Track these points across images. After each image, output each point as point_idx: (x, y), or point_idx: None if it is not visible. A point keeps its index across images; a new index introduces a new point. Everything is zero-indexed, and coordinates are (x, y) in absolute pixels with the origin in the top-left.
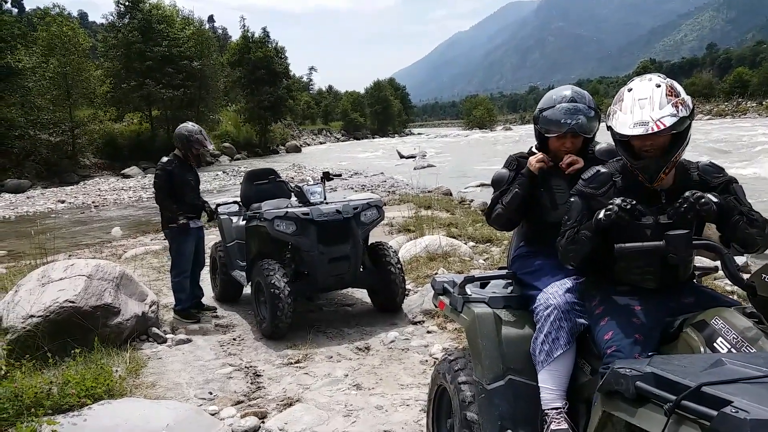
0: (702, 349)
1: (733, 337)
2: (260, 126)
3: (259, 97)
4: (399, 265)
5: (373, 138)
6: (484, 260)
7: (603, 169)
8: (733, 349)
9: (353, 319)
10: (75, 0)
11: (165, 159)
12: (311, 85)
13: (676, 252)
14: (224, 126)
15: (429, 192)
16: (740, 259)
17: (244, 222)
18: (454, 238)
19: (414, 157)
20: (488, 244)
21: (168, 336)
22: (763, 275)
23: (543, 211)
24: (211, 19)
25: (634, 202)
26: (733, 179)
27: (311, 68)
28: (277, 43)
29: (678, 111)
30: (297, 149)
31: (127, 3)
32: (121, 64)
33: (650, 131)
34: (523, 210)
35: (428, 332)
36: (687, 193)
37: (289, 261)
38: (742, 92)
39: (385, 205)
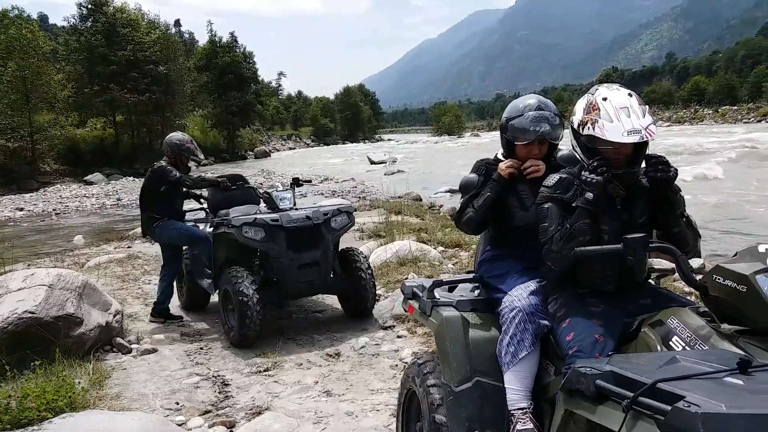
0: (659, 348)
1: (687, 336)
2: (228, 131)
3: (227, 102)
4: (369, 271)
5: (344, 144)
6: (453, 264)
7: (564, 175)
8: (687, 347)
9: (323, 326)
10: (35, 2)
11: (156, 165)
12: (280, 90)
13: (634, 254)
14: (191, 131)
15: (399, 197)
16: (697, 261)
17: (212, 229)
18: (424, 243)
19: (384, 162)
20: (457, 248)
21: (133, 346)
22: (715, 276)
23: (510, 215)
24: (177, 23)
25: (603, 163)
26: (678, 190)
27: (280, 73)
28: (245, 48)
29: (655, 121)
30: (266, 154)
31: (89, 6)
32: (83, 69)
33: (644, 139)
34: (492, 213)
35: (399, 337)
36: (653, 160)
37: (258, 268)
38: (699, 100)
39: (355, 210)
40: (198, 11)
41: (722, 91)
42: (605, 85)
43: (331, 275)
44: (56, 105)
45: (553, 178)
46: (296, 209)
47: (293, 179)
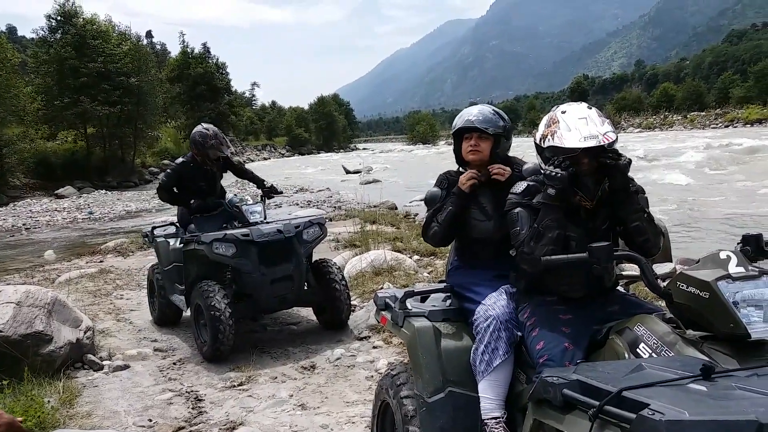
0: (626, 355)
1: (654, 343)
2: None
3: (200, 113)
4: (344, 282)
5: (319, 153)
6: (429, 273)
7: (531, 183)
8: (653, 354)
9: (298, 338)
10: (3, 14)
11: (180, 159)
12: (254, 100)
13: (599, 263)
14: (163, 143)
15: (374, 207)
16: (669, 266)
17: (182, 245)
18: (399, 252)
19: (359, 172)
20: (432, 257)
21: (105, 363)
22: (678, 283)
23: (473, 226)
24: (149, 34)
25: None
26: (641, 189)
27: (254, 83)
28: (217, 59)
29: (613, 129)
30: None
31: (59, 18)
32: (53, 81)
33: (601, 143)
34: (457, 226)
35: (374, 347)
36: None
37: (230, 282)
38: (669, 106)
39: (330, 220)
40: (170, 22)
41: (690, 97)
42: (572, 102)
43: (305, 287)
44: (25, 118)
45: (521, 186)
46: (267, 222)
47: (263, 191)
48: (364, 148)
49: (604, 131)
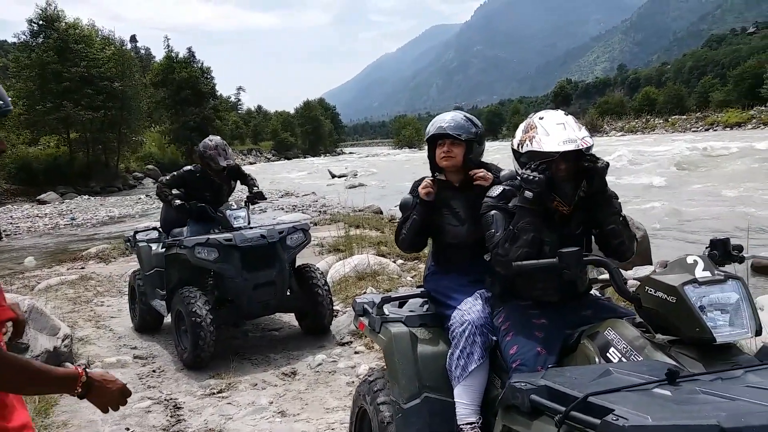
0: (597, 359)
1: (623, 347)
2: (186, 147)
3: (185, 117)
4: (326, 287)
5: (305, 158)
6: (412, 277)
7: (507, 187)
8: (623, 358)
9: (280, 344)
10: None
11: (188, 167)
12: (240, 104)
13: (569, 268)
14: (148, 147)
15: (360, 211)
16: (649, 268)
17: (164, 249)
18: (383, 256)
19: (345, 176)
20: (416, 261)
21: None
22: (647, 288)
23: (447, 231)
24: (133, 38)
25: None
26: (615, 194)
27: (239, 88)
28: (202, 63)
29: (590, 134)
30: None
31: (41, 22)
32: (35, 85)
33: (579, 147)
34: (425, 234)
35: (356, 353)
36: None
37: (212, 288)
38: (650, 110)
39: (315, 225)
40: (155, 27)
41: (672, 101)
42: (545, 110)
43: (288, 293)
44: (6, 123)
45: (496, 189)
46: (251, 227)
47: (248, 196)
48: (350, 152)
49: (582, 136)
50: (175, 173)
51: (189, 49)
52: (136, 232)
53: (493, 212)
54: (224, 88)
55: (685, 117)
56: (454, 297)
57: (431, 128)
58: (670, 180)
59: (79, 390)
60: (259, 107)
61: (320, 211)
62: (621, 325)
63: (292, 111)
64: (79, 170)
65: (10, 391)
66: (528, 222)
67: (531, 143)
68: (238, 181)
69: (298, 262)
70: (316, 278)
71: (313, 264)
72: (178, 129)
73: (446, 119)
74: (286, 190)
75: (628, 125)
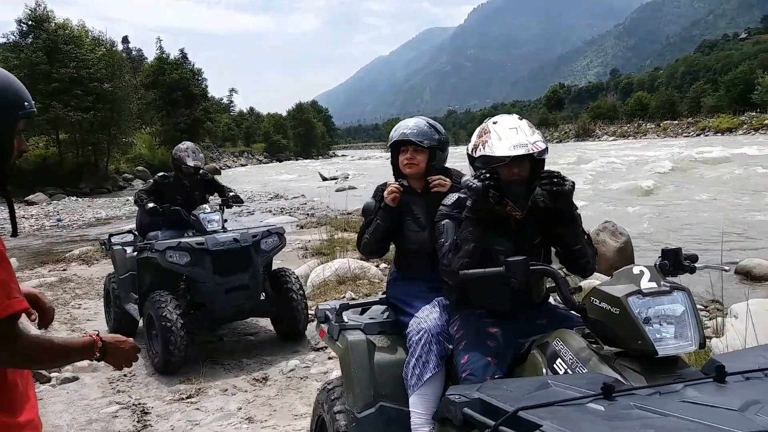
0: (544, 370)
1: (570, 358)
2: None
3: (175, 119)
4: (301, 292)
5: (297, 160)
6: None
7: (462, 195)
8: (569, 370)
9: (254, 349)
10: None
11: (160, 173)
12: (232, 106)
13: (516, 277)
14: (138, 149)
15: (348, 214)
16: None
17: (135, 253)
18: (365, 260)
19: (336, 179)
20: None
21: (53, 375)
22: (592, 298)
23: (408, 237)
24: (125, 39)
25: (487, 172)
26: (576, 207)
27: (232, 90)
28: (194, 65)
29: (543, 140)
30: (216, 172)
31: (30, 22)
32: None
33: (530, 151)
34: (388, 239)
35: (329, 358)
36: (547, 174)
37: (184, 292)
38: (642, 115)
39: (301, 228)
40: (146, 28)
41: (664, 106)
42: (500, 115)
43: (263, 297)
44: None
45: (451, 197)
46: (225, 231)
47: (222, 199)
48: (342, 155)
49: (534, 140)
50: (150, 180)
51: (181, 50)
52: (111, 236)
53: (444, 221)
54: (217, 89)
55: (677, 122)
56: (412, 304)
57: (394, 134)
58: (658, 185)
59: (98, 354)
60: (252, 109)
61: (308, 214)
62: (569, 336)
63: (284, 113)
64: (68, 171)
65: (38, 368)
66: (470, 232)
67: (483, 148)
68: (216, 194)
69: (284, 265)
70: (291, 282)
71: (289, 268)
72: (168, 130)
73: (409, 125)
74: (275, 192)
75: (620, 130)
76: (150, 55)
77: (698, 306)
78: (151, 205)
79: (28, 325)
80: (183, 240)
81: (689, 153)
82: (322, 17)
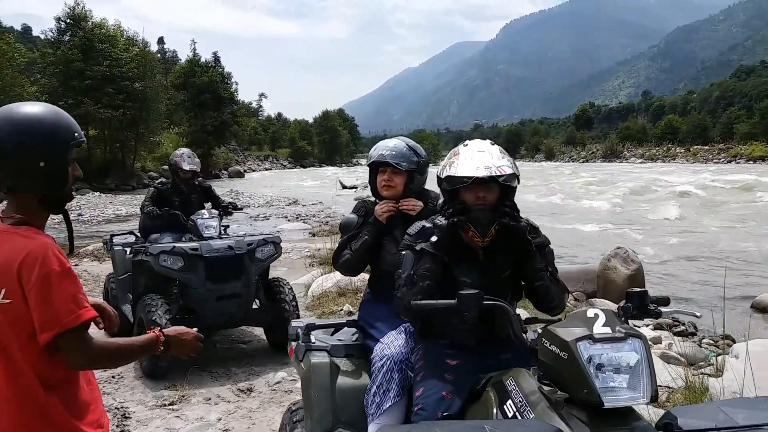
0: (495, 410)
1: (519, 401)
2: (203, 150)
3: (203, 121)
4: (294, 302)
5: (320, 167)
6: None
7: (427, 224)
8: (517, 413)
9: (245, 358)
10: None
11: (158, 180)
12: (261, 111)
13: (468, 311)
14: (165, 148)
15: None
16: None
17: (131, 255)
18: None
19: (356, 187)
20: None
21: None
22: (544, 340)
23: (384, 258)
24: (161, 41)
25: (456, 206)
26: (547, 242)
27: (261, 94)
28: (223, 69)
29: (512, 166)
30: (240, 174)
31: (68, 21)
32: (58, 82)
33: (494, 174)
34: (370, 256)
35: None
36: (505, 208)
37: (177, 297)
38: (672, 138)
39: (313, 236)
40: (182, 30)
41: (695, 130)
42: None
43: (257, 306)
44: None
45: (416, 226)
46: (221, 238)
47: (222, 206)
48: (365, 164)
49: (499, 164)
50: (151, 189)
51: (214, 53)
52: (112, 235)
53: (405, 252)
54: (248, 93)
55: (707, 147)
56: (379, 328)
57: (373, 153)
58: (681, 210)
59: (162, 348)
60: (279, 114)
61: (322, 222)
62: (522, 377)
63: (311, 120)
64: (96, 167)
65: (107, 367)
66: (427, 269)
67: (450, 168)
68: (210, 203)
69: (283, 273)
70: (284, 293)
71: (283, 278)
72: (195, 132)
73: (389, 146)
74: (294, 198)
75: (648, 152)
76: (184, 56)
77: (707, 341)
78: (149, 207)
79: (96, 331)
80: (177, 245)
81: (718, 179)
82: (354, 26)
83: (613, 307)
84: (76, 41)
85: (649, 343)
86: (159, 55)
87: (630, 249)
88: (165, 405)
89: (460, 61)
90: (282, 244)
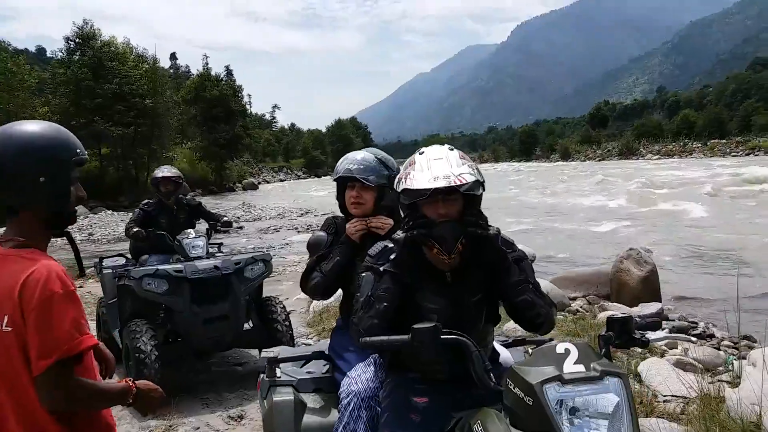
0: None
1: None
2: (216, 163)
3: (215, 134)
4: (287, 322)
5: None
6: None
7: (389, 245)
8: None
9: (239, 382)
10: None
11: (144, 201)
12: (274, 122)
13: (423, 347)
14: (179, 163)
15: None
16: (656, 305)
17: (116, 279)
18: None
19: None
20: None
21: None
22: (509, 381)
23: (353, 280)
24: (173, 56)
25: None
26: (524, 256)
27: (274, 106)
28: (234, 82)
29: (474, 172)
30: (254, 187)
31: (77, 40)
32: (69, 101)
33: (453, 184)
34: (342, 278)
35: None
36: (471, 217)
37: (163, 322)
38: (689, 133)
39: None
40: (195, 44)
41: (711, 124)
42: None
43: (250, 327)
44: None
45: (378, 246)
46: (207, 258)
47: (210, 224)
48: None
49: (459, 172)
50: (137, 210)
51: (227, 67)
52: (102, 258)
53: (365, 273)
54: (261, 105)
55: (725, 141)
56: (348, 360)
57: (339, 167)
58: (698, 206)
59: (131, 400)
60: (293, 125)
61: None
62: (490, 419)
63: (324, 129)
64: (109, 185)
65: (85, 409)
66: (385, 290)
67: (406, 181)
68: (202, 220)
69: (290, 287)
70: (277, 312)
71: (276, 297)
72: (208, 146)
73: (357, 159)
74: (307, 208)
75: (664, 148)
76: (197, 71)
77: (727, 343)
78: (135, 229)
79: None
80: (161, 267)
81: (736, 172)
82: (364, 34)
83: (628, 311)
84: (86, 60)
85: (654, 352)
86: (171, 71)
87: (643, 249)
88: None
89: (472, 65)
90: (289, 257)
